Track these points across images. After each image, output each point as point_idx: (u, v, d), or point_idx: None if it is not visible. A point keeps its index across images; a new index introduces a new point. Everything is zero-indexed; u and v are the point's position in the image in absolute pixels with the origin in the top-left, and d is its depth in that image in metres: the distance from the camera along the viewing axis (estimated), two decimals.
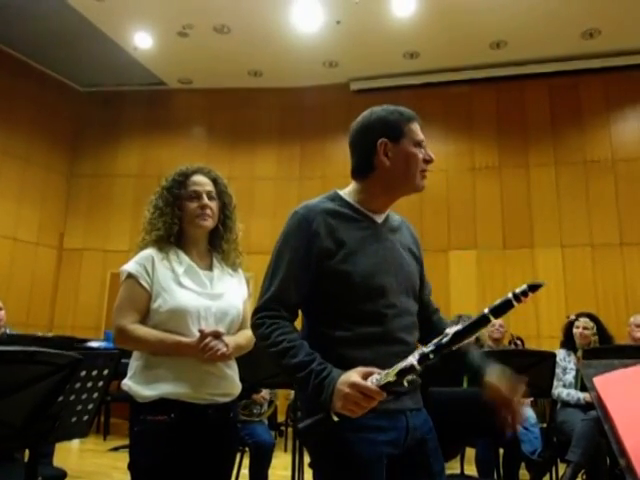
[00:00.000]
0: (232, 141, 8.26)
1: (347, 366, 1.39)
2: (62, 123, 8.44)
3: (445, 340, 1.25)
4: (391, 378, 1.29)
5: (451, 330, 1.25)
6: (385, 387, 1.31)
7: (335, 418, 1.36)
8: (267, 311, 1.49)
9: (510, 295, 1.17)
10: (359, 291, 1.48)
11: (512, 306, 1.18)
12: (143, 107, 8.58)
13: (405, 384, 1.29)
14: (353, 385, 1.31)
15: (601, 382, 1.24)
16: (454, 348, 1.27)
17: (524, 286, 1.16)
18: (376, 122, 1.60)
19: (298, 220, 1.53)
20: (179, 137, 8.34)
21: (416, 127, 1.61)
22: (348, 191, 1.64)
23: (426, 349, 1.27)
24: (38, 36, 7.20)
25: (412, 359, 1.28)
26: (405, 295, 1.57)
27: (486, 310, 1.21)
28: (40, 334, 6.33)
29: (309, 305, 1.55)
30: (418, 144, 1.59)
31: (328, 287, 1.50)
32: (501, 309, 1.20)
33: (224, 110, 8.37)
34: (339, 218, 1.55)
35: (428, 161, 1.61)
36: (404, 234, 1.69)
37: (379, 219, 1.62)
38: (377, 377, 1.32)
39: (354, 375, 1.34)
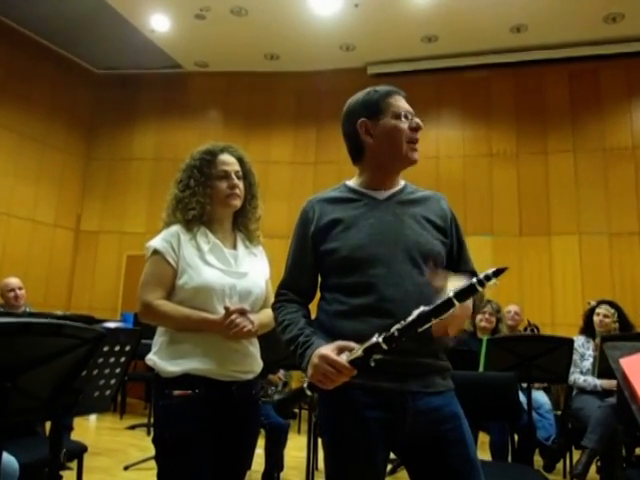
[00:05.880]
0: (248, 125, 8.24)
1: (342, 338, 1.44)
2: (79, 106, 8.47)
3: (410, 320, 1.28)
4: (359, 354, 1.33)
5: (416, 311, 1.28)
6: (354, 363, 1.33)
7: (308, 392, 1.40)
8: (278, 296, 1.67)
9: (475, 280, 1.22)
10: (347, 263, 1.53)
11: (476, 290, 1.23)
12: (160, 90, 8.58)
13: (372, 363, 1.31)
14: (322, 357, 1.37)
15: (628, 363, 1.24)
16: (420, 330, 1.29)
17: (489, 270, 1.19)
18: (355, 105, 1.67)
19: (300, 213, 1.68)
20: (195, 120, 8.33)
21: (396, 99, 1.61)
22: (354, 178, 1.71)
23: (392, 329, 1.30)
24: (56, 19, 7.20)
25: (379, 337, 1.31)
26: (409, 264, 1.52)
27: (451, 293, 1.25)
28: (60, 312, 6.41)
29: (320, 288, 1.65)
30: (399, 116, 1.59)
31: (324, 266, 1.60)
32: (465, 293, 1.25)
33: (240, 93, 8.35)
34: (337, 202, 1.63)
35: (415, 129, 1.60)
36: (425, 206, 1.65)
37: (381, 195, 1.64)
38: (349, 352, 1.36)
39: (328, 348, 1.39)
